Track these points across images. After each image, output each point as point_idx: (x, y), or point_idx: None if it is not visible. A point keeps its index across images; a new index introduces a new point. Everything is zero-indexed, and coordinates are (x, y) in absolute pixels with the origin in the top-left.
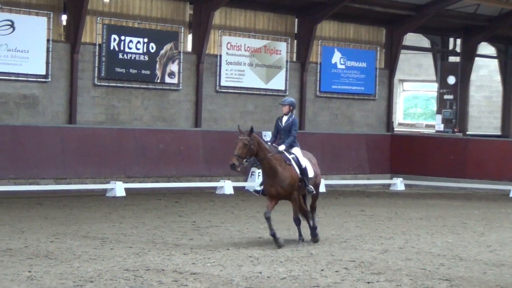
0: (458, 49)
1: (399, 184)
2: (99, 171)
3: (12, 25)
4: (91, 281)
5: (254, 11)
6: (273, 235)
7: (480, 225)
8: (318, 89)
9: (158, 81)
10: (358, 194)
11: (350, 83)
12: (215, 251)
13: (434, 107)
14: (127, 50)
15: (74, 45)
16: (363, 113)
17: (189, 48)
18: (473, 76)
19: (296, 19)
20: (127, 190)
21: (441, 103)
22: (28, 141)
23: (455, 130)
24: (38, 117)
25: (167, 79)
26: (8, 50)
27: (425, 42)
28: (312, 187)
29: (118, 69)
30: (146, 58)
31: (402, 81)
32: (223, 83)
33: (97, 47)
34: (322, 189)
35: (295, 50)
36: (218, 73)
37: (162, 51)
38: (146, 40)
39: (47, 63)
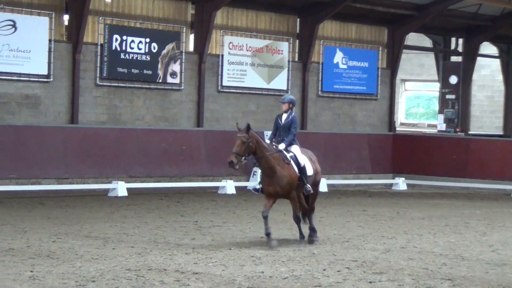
0: (460, 49)
1: (401, 183)
2: (101, 171)
3: (14, 25)
4: (93, 281)
5: (256, 11)
6: (268, 234)
7: (482, 224)
8: (320, 89)
9: (160, 81)
10: (360, 193)
11: (352, 83)
12: (217, 250)
13: (436, 106)
14: (129, 50)
15: (76, 45)
16: (365, 113)
17: (191, 48)
18: (475, 76)
19: (298, 19)
20: (129, 190)
21: (443, 103)
22: (30, 141)
23: (457, 129)
24: (40, 117)
25: (169, 79)
26: (10, 50)
27: (427, 42)
28: (309, 187)
29: (120, 69)
30: (148, 58)
31: (404, 80)
32: (225, 83)
33: (99, 47)
34: (324, 188)
35: (297, 50)
36: (220, 73)
37: (164, 51)
38: (148, 40)
39: (49, 63)
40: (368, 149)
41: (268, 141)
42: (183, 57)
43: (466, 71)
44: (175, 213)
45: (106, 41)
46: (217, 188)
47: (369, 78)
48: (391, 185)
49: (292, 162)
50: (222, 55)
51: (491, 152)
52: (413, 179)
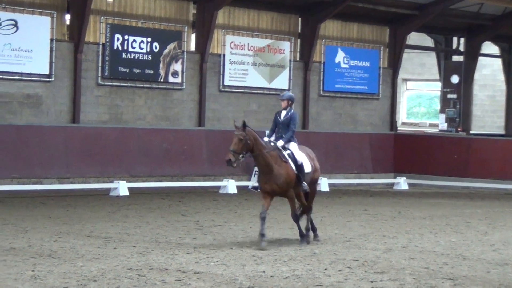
0: (461, 48)
1: (402, 183)
2: (103, 171)
3: (15, 25)
4: (94, 280)
5: (258, 10)
6: (262, 235)
7: (484, 224)
8: (321, 89)
9: (162, 80)
10: (361, 193)
11: (353, 83)
12: (219, 250)
13: (437, 106)
14: (130, 49)
15: (77, 44)
16: (366, 112)
17: (192, 47)
18: (476, 75)
19: (300, 19)
20: (130, 189)
21: (445, 102)
22: (31, 140)
23: (459, 129)
24: (41, 117)
25: (171, 79)
26: (12, 49)
27: (428, 41)
28: (306, 185)
29: (122, 69)
30: (150, 57)
31: (405, 80)
32: (226, 83)
33: (100, 46)
34: (325, 188)
35: (298, 50)
36: (221, 73)
37: (166, 51)
38: (149, 39)
39: (51, 62)
40: (370, 149)
41: (266, 139)
42: (185, 56)
43: (467, 70)
44: (177, 212)
45: (107, 40)
46: (218, 187)
47: (371, 78)
48: (392, 184)
49: (289, 160)
50: (224, 55)
51: (493, 151)
52: (414, 179)
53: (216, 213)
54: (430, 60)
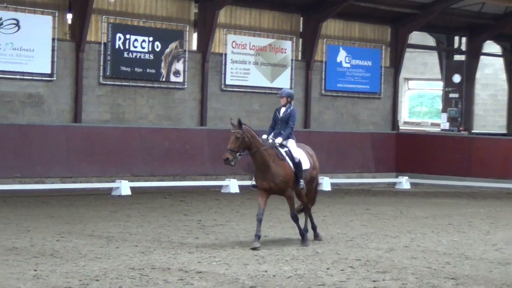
0: (463, 48)
1: (404, 182)
2: (105, 170)
3: (17, 24)
4: (96, 280)
5: (259, 9)
6: (258, 236)
7: (486, 223)
8: (323, 88)
9: (163, 79)
10: (363, 192)
11: (355, 82)
12: (221, 249)
13: (439, 105)
14: (132, 48)
15: (79, 43)
16: (368, 111)
17: (194, 46)
18: (478, 75)
19: (301, 18)
20: (132, 188)
21: (447, 102)
22: (33, 140)
23: (461, 128)
24: (43, 116)
25: (172, 78)
26: (14, 49)
27: (430, 40)
28: (303, 183)
29: (123, 68)
30: (151, 56)
31: (407, 79)
32: (228, 82)
33: (102, 45)
34: (327, 187)
35: (300, 49)
36: (223, 72)
37: (167, 50)
38: (151, 38)
39: (52, 62)
40: (372, 148)
41: (265, 136)
42: (187, 56)
43: (469, 69)
44: (179, 212)
45: (109, 40)
46: (220, 187)
47: (373, 77)
48: (394, 184)
49: (286, 158)
50: (226, 54)
51: (495, 151)
52: (416, 178)
53: (218, 213)
54: (432, 59)
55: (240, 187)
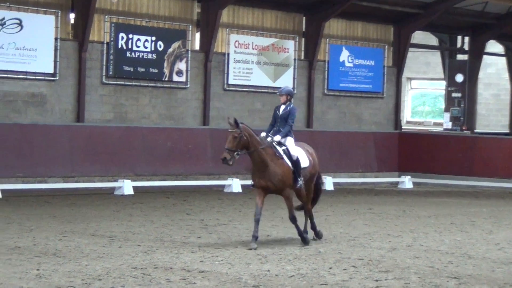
0: (466, 47)
1: (407, 182)
2: (107, 169)
3: (20, 24)
4: (99, 279)
5: (262, 9)
6: (255, 237)
7: (489, 223)
8: (326, 87)
9: (166, 79)
10: (366, 192)
11: (358, 81)
12: (223, 249)
13: (442, 105)
14: (135, 48)
15: (82, 43)
16: (371, 111)
17: (197, 46)
18: (481, 74)
19: (304, 17)
20: (135, 188)
21: (449, 101)
22: (36, 139)
23: (463, 128)
24: (46, 116)
25: (175, 78)
26: (16, 48)
27: (433, 40)
28: (301, 182)
29: (126, 68)
30: (154, 56)
31: (410, 79)
32: (231, 81)
33: (105, 45)
34: (330, 187)
35: (303, 48)
36: (226, 71)
37: (170, 50)
38: (154, 38)
39: (55, 61)
40: (374, 148)
41: (263, 134)
42: (189, 55)
43: (472, 69)
44: (181, 211)
45: (112, 39)
46: (223, 186)
47: (375, 76)
48: (397, 183)
49: (284, 157)
50: (228, 54)
51: (497, 150)
52: (419, 178)
53: (221, 212)
54: (435, 58)
55: (243, 186)
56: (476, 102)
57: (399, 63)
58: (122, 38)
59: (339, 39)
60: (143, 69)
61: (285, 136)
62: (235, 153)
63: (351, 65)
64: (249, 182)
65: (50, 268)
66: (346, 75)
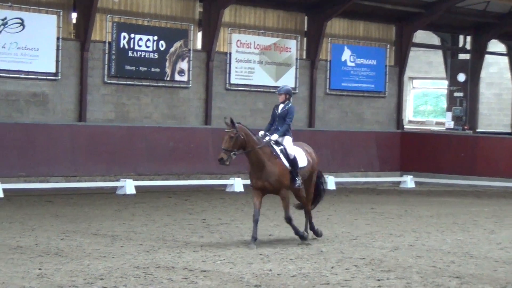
0: (468, 47)
1: (409, 181)
2: (109, 169)
3: (22, 23)
4: (101, 279)
5: (264, 8)
6: (254, 238)
7: (491, 222)
8: (328, 87)
9: (168, 79)
10: (368, 191)
11: (360, 81)
12: (225, 248)
13: (444, 104)
14: (136, 48)
15: (84, 43)
16: (373, 110)
17: (199, 45)
18: (483, 74)
19: (306, 17)
20: (137, 187)
21: (451, 101)
22: (38, 139)
23: (465, 127)
24: (48, 115)
25: (177, 77)
26: (18, 48)
27: (435, 39)
28: (299, 181)
29: (128, 67)
30: (156, 56)
31: (412, 78)
32: (233, 81)
33: (107, 45)
34: (332, 186)
35: (304, 48)
36: (228, 71)
37: (172, 49)
38: (155, 38)
39: (57, 61)
40: (376, 147)
41: (261, 132)
42: (191, 55)
43: (474, 68)
44: (183, 211)
45: (114, 39)
46: (225, 186)
47: (377, 76)
48: (399, 183)
49: (281, 156)
50: (230, 53)
51: (499, 149)
52: (421, 177)
53: (223, 212)
54: (437, 58)
55: (245, 186)
56: (478, 101)
57: (401, 62)
58: (124, 37)
59: (341, 38)
60: (145, 69)
61: (282, 135)
62: (232, 153)
63: (353, 64)
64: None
65: (52, 267)
66: (348, 74)
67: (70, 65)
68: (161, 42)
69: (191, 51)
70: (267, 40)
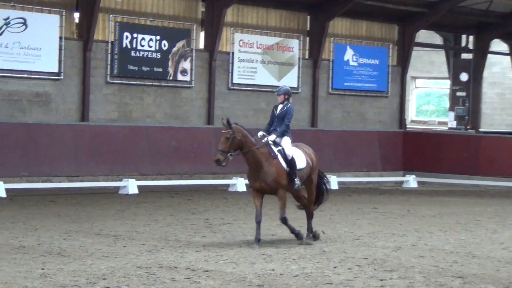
0: (470, 46)
1: (411, 181)
2: (112, 169)
3: (24, 23)
4: (104, 278)
5: (266, 8)
6: (257, 239)
7: (493, 222)
8: (330, 87)
9: (171, 78)
10: (370, 191)
11: (362, 80)
12: (228, 248)
13: (446, 104)
14: (139, 47)
15: (86, 42)
16: (375, 110)
17: (201, 45)
18: (485, 73)
19: (309, 16)
20: (139, 187)
21: (454, 100)
22: (41, 138)
23: (468, 127)
24: (50, 115)
25: (180, 77)
26: (21, 47)
27: (437, 39)
28: (298, 183)
29: (131, 67)
30: (159, 55)
31: (414, 78)
32: (235, 81)
33: (109, 44)
34: (335, 186)
35: (307, 47)
36: (230, 71)
37: (175, 49)
38: (158, 37)
39: (60, 60)
40: (379, 147)
41: (260, 133)
42: (194, 54)
43: (476, 68)
44: (186, 210)
45: (116, 38)
46: (227, 185)
47: (380, 76)
48: (401, 182)
49: (279, 156)
50: (233, 53)
51: (502, 149)
52: (423, 177)
53: (225, 211)
54: (439, 58)
55: (247, 185)
56: (480, 101)
57: (403, 62)
58: (127, 37)
59: (344, 38)
60: (147, 68)
61: (281, 135)
62: (229, 154)
63: (355, 64)
64: None
65: (55, 267)
66: (350, 74)
67: (72, 65)
68: (164, 41)
69: (194, 50)
70: (270, 40)
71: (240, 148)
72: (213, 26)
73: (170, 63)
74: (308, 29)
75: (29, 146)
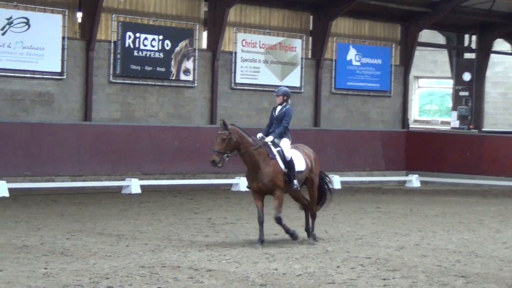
0: (473, 46)
1: (414, 181)
2: (115, 168)
3: (27, 23)
4: (106, 278)
5: (269, 8)
6: (261, 240)
7: (496, 221)
8: (333, 86)
9: (173, 78)
10: (373, 191)
11: (365, 80)
12: (231, 248)
13: (449, 103)
14: (142, 47)
15: (89, 42)
16: (378, 110)
17: (204, 45)
18: (488, 73)
19: (311, 16)
20: (142, 187)
21: (457, 100)
22: (43, 138)
23: (471, 126)
24: (53, 114)
25: (182, 76)
26: (24, 47)
27: (440, 38)
28: (296, 183)
29: (133, 66)
30: (161, 55)
31: (417, 77)
32: (238, 80)
33: (112, 44)
34: (337, 185)
35: (310, 47)
36: (233, 70)
37: (177, 48)
38: (161, 37)
39: (63, 60)
40: (382, 146)
41: (260, 134)
42: (196, 54)
43: (479, 68)
44: (189, 210)
45: (119, 38)
46: (230, 185)
47: (383, 75)
48: (404, 182)
49: (277, 157)
50: (235, 52)
51: (505, 149)
52: (426, 176)
53: (228, 211)
54: (442, 57)
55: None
56: (483, 100)
57: (406, 61)
58: (130, 37)
59: (347, 37)
60: (150, 68)
61: (279, 136)
62: (225, 155)
63: (358, 63)
64: None
65: (58, 267)
66: (353, 73)
67: (75, 64)
68: (167, 41)
69: (197, 50)
70: (273, 40)
71: (237, 149)
72: (215, 25)
73: (172, 63)
74: (311, 28)
75: (32, 145)
